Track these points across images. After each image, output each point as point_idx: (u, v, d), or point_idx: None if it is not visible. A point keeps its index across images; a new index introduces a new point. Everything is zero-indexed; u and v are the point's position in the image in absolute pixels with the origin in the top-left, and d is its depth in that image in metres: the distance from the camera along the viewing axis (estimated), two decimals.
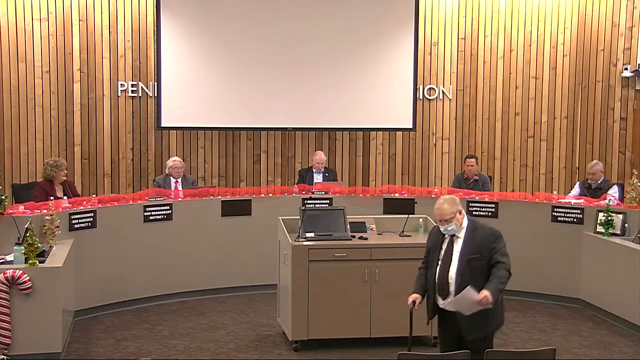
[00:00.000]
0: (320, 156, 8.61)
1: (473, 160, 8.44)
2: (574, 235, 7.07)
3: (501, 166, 9.86)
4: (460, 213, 4.20)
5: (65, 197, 6.95)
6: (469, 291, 3.98)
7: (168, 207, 7.12)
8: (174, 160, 8.01)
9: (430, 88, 9.68)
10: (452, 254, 4.20)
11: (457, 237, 4.22)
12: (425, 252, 4.45)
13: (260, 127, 9.17)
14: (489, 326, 4.20)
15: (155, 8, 8.67)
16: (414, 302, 4.32)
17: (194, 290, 7.29)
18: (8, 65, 8.57)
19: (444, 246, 4.25)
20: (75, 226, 6.48)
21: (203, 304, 7.10)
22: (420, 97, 9.60)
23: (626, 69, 9.32)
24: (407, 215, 6.33)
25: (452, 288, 4.15)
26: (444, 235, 4.27)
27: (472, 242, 4.15)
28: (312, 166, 8.62)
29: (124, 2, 8.84)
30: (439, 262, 4.23)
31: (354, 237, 5.99)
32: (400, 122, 9.40)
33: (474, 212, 7.45)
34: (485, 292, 3.97)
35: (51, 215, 6.02)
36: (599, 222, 6.85)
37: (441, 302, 4.23)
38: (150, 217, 7.03)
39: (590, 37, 9.56)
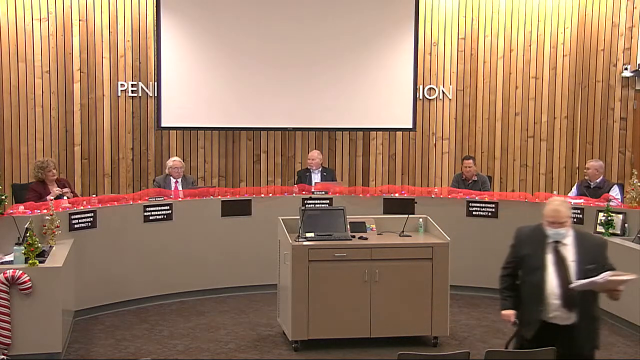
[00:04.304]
0: (313, 154, 8.59)
1: (470, 161, 8.43)
2: None
3: (501, 166, 9.85)
4: (569, 217, 4.03)
5: (65, 197, 6.94)
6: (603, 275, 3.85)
7: (168, 207, 7.13)
8: (174, 160, 8.01)
9: (430, 88, 9.67)
10: (565, 262, 3.98)
11: (563, 244, 4.01)
12: (513, 256, 4.19)
13: (260, 127, 9.17)
14: (597, 341, 4.04)
15: (155, 8, 8.66)
16: (513, 319, 4.11)
17: (194, 290, 7.29)
18: (8, 65, 8.57)
19: (550, 253, 4.01)
20: (75, 226, 6.48)
21: (203, 304, 7.10)
22: (420, 97, 9.60)
23: (626, 69, 9.32)
24: (407, 215, 6.33)
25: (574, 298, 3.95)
26: (545, 240, 4.04)
27: (585, 251, 3.97)
28: (309, 167, 8.61)
29: (124, 2, 8.84)
30: (550, 271, 3.99)
31: (354, 237, 5.99)
32: (400, 122, 9.39)
33: (474, 212, 7.45)
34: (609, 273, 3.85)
35: (51, 215, 6.03)
36: (599, 222, 6.85)
37: (552, 314, 3.99)
38: (150, 217, 7.03)
39: (590, 37, 9.56)
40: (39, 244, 5.49)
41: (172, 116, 8.82)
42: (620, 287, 3.86)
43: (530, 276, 4.05)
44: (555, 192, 8.33)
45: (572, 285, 3.91)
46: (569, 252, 4.00)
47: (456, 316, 6.66)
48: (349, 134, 9.55)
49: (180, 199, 7.29)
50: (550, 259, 4.01)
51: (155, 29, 8.70)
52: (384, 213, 7.38)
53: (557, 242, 4.02)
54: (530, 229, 4.15)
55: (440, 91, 9.70)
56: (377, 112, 9.32)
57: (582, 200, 7.32)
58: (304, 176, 8.50)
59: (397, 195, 7.66)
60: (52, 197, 6.74)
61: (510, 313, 4.14)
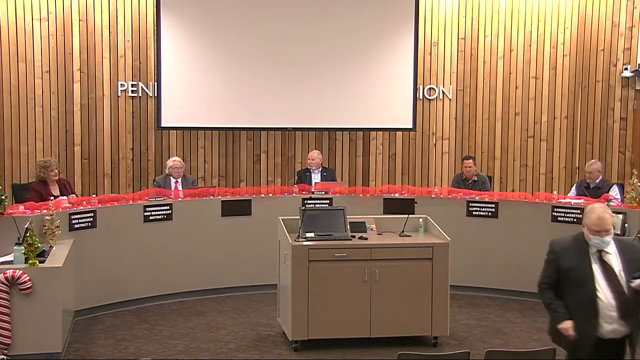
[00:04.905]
0: (313, 154, 8.60)
1: (470, 161, 8.43)
2: None
3: (501, 166, 9.85)
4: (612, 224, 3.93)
5: (64, 197, 6.95)
6: None
7: (168, 207, 7.13)
8: (174, 160, 8.01)
9: (430, 88, 9.67)
10: (614, 272, 3.86)
11: (606, 253, 3.89)
12: (552, 271, 4.01)
13: (260, 127, 9.17)
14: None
15: (155, 8, 8.66)
16: (572, 331, 3.89)
17: (194, 290, 7.29)
18: (8, 65, 8.57)
19: (596, 263, 3.88)
20: (75, 226, 6.48)
21: (203, 304, 7.10)
22: (420, 97, 9.60)
23: (626, 69, 9.32)
24: (407, 215, 6.33)
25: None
26: (588, 250, 3.90)
27: (629, 259, 3.87)
28: (309, 167, 8.60)
29: (124, 2, 8.84)
30: (601, 283, 3.84)
31: (354, 237, 5.99)
32: (400, 122, 9.39)
33: (474, 212, 7.45)
34: None
35: (51, 215, 6.03)
36: None
37: (609, 328, 3.82)
38: (150, 217, 7.03)
39: (590, 37, 9.55)
40: (39, 244, 5.49)
41: (172, 116, 8.82)
42: None
43: (577, 290, 3.87)
44: (555, 192, 8.33)
45: (634, 284, 3.79)
46: (614, 261, 3.88)
47: (456, 316, 6.66)
48: (349, 134, 9.55)
49: (180, 199, 7.29)
50: (597, 269, 3.87)
51: (155, 29, 8.70)
52: (384, 213, 7.38)
53: (600, 251, 3.89)
54: (567, 241, 3.99)
55: (440, 91, 9.70)
56: (377, 112, 9.31)
57: (582, 201, 7.32)
58: (304, 176, 8.50)
59: (397, 195, 7.66)
60: None
61: (570, 325, 3.89)
